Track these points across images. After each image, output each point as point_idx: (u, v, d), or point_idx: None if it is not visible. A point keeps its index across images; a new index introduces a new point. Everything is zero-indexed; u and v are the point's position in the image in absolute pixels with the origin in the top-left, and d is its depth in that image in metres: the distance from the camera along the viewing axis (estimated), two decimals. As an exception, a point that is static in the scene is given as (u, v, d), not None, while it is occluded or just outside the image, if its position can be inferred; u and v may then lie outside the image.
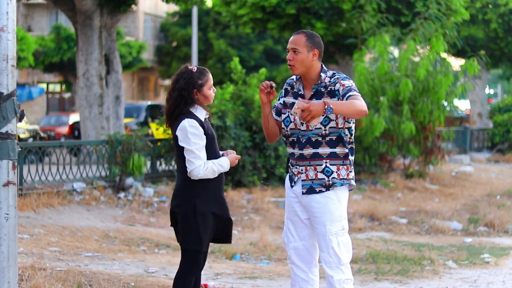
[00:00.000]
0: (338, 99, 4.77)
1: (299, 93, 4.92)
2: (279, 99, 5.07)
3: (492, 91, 65.41)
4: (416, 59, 17.92)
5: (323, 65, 4.94)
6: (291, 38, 4.89)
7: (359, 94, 4.78)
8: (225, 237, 5.03)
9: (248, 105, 15.35)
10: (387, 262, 8.72)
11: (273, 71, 40.28)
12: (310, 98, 4.84)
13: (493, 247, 10.23)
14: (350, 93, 4.75)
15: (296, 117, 4.67)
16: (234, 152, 5.06)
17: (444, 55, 19.61)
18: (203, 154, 4.82)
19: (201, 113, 4.90)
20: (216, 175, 4.88)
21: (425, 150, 18.01)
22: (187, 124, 4.80)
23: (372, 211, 12.70)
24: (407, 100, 16.96)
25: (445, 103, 17.98)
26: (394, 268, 8.34)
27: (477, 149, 27.90)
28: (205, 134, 4.85)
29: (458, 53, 29.47)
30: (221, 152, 5.05)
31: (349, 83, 4.81)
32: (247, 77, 15.95)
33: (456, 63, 30.51)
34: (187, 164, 4.81)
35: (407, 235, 11.43)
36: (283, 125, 4.96)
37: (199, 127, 4.82)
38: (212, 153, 4.90)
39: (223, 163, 4.91)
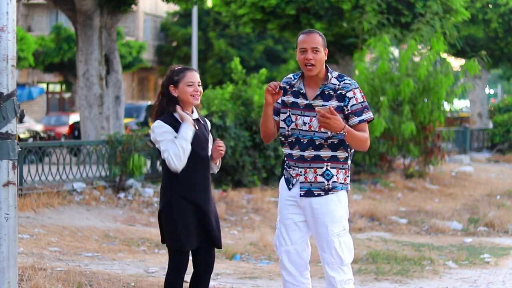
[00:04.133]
0: (344, 107, 4.73)
1: (301, 91, 4.83)
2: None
3: (492, 91, 65.42)
4: (417, 59, 17.93)
5: (327, 65, 4.88)
6: (306, 37, 4.77)
7: (369, 115, 4.78)
8: (210, 240, 4.94)
9: (248, 105, 15.35)
10: (387, 262, 8.72)
11: (273, 71, 40.27)
12: (315, 98, 4.77)
13: (493, 247, 10.23)
14: (362, 118, 4.74)
15: (318, 113, 4.60)
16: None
17: (444, 55, 19.62)
18: (169, 146, 4.78)
19: None
20: (183, 150, 4.75)
21: (425, 150, 18.02)
22: (155, 125, 4.84)
23: (372, 211, 12.70)
24: (407, 100, 16.96)
25: (446, 103, 18.00)
26: (394, 268, 8.34)
27: (477, 149, 27.90)
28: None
29: (458, 53, 29.47)
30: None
31: (361, 97, 4.77)
32: (247, 77, 15.96)
33: (456, 63, 30.53)
34: (166, 161, 4.82)
35: (407, 235, 11.43)
36: (283, 125, 4.87)
37: (163, 124, 4.81)
38: (191, 155, 4.87)
39: (182, 133, 4.79)
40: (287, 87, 4.92)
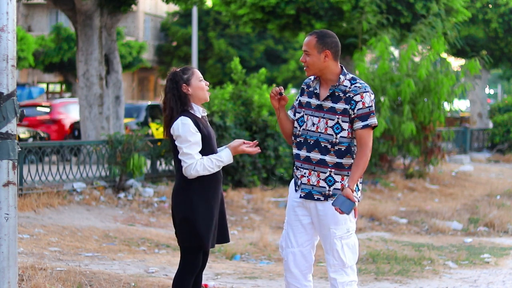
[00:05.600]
0: (350, 110, 4.71)
1: (315, 91, 4.83)
2: (297, 99, 4.98)
3: (492, 91, 65.41)
4: (417, 59, 17.94)
5: (343, 67, 4.84)
6: (305, 39, 4.83)
7: (373, 121, 4.72)
8: (222, 236, 5.02)
9: (248, 105, 15.35)
10: (387, 262, 8.72)
11: (273, 71, 40.26)
12: (326, 99, 4.77)
13: (493, 247, 10.23)
14: (367, 123, 4.70)
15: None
16: (242, 141, 4.99)
17: (444, 55, 19.62)
18: (195, 151, 4.81)
19: (197, 111, 4.92)
20: (212, 171, 4.85)
21: (425, 150, 18.02)
22: (180, 122, 4.82)
23: (372, 211, 12.70)
24: (408, 100, 16.96)
25: (446, 104, 18.00)
26: (394, 268, 8.35)
27: (477, 149, 27.90)
28: (201, 132, 4.85)
29: (458, 53, 29.47)
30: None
31: (369, 101, 4.73)
32: (247, 77, 15.96)
33: (456, 63, 30.52)
34: (182, 163, 4.82)
35: (407, 235, 11.43)
36: (296, 124, 4.89)
37: (192, 124, 4.82)
38: (209, 152, 4.89)
39: (222, 157, 4.88)
40: (305, 87, 4.94)
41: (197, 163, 4.79)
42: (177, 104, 4.87)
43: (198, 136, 4.83)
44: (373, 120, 4.73)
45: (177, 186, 4.94)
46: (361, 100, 4.72)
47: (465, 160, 23.38)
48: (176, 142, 4.84)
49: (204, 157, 4.83)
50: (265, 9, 20.86)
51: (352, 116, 4.72)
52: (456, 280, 7.97)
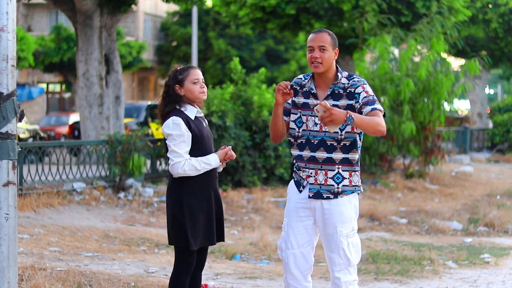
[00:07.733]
0: (355, 103, 4.70)
1: (311, 91, 4.80)
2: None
3: (492, 91, 65.42)
4: (417, 59, 17.94)
5: (337, 65, 4.85)
6: (314, 36, 4.77)
7: (381, 107, 4.71)
8: (211, 238, 4.98)
9: (248, 105, 15.35)
10: (387, 262, 8.72)
11: (274, 71, 40.24)
12: (326, 98, 4.73)
13: (493, 247, 10.23)
14: (375, 106, 4.68)
15: (318, 114, 4.49)
16: (229, 148, 5.02)
17: (444, 55, 19.62)
18: (183, 150, 4.81)
19: (191, 111, 4.92)
20: (200, 172, 4.85)
21: (425, 150, 18.03)
22: (170, 122, 4.84)
23: (372, 211, 12.70)
24: (407, 100, 16.97)
25: (446, 104, 18.02)
26: (394, 268, 8.34)
27: (477, 149, 27.91)
28: (192, 132, 4.85)
29: (458, 53, 29.48)
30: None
31: (371, 91, 4.75)
32: (247, 77, 15.95)
33: (456, 63, 30.54)
34: (169, 161, 4.85)
35: (407, 235, 11.43)
36: (293, 126, 4.83)
37: (182, 123, 4.83)
38: (200, 153, 4.89)
39: (210, 160, 4.89)
40: (298, 87, 4.88)
41: (185, 163, 4.80)
42: (167, 102, 4.92)
43: (188, 136, 4.84)
44: (380, 106, 4.72)
45: (169, 185, 4.97)
46: (363, 91, 4.74)
47: (465, 160, 23.38)
48: (166, 141, 4.88)
49: (192, 158, 4.83)
50: (265, 9, 20.87)
51: (358, 107, 4.71)
52: (456, 280, 7.97)
